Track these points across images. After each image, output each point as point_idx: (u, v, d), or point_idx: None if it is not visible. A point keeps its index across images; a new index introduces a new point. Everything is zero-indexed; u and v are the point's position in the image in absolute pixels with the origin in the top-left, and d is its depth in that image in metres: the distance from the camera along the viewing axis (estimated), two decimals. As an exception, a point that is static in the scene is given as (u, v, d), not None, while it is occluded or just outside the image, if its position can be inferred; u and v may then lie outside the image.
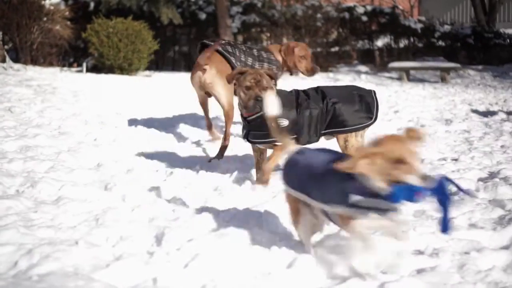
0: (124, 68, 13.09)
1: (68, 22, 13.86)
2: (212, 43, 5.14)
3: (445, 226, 2.22)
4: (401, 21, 19.10)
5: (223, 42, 5.22)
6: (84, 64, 12.78)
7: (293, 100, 3.76)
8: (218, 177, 4.06)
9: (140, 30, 13.28)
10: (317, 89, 3.89)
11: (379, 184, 2.19)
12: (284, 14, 17.81)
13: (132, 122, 6.36)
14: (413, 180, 2.16)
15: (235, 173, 4.13)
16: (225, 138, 4.86)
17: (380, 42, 19.38)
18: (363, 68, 17.18)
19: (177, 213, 3.20)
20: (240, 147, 5.24)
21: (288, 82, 9.14)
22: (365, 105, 3.82)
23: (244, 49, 5.23)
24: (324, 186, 2.41)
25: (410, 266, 2.46)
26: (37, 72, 11.01)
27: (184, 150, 5.12)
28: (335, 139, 3.96)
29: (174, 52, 18.72)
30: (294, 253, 2.58)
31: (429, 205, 3.36)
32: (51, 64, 13.18)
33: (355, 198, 2.26)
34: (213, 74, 5.07)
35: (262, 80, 3.59)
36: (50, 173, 3.90)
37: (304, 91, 3.89)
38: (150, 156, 4.66)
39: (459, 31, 19.17)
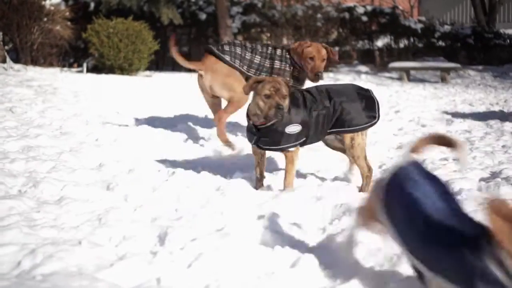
0: (125, 68, 13.10)
1: (69, 23, 13.87)
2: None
3: None
4: (401, 21, 19.12)
5: (223, 43, 5.26)
6: (85, 65, 12.79)
7: (301, 101, 3.74)
8: (220, 177, 4.06)
9: (140, 30, 13.29)
10: (319, 88, 3.88)
11: None
12: (285, 14, 17.82)
13: (133, 122, 6.36)
14: None
15: (237, 173, 4.13)
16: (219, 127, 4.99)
17: (380, 42, 19.40)
18: (363, 68, 17.20)
19: (180, 213, 3.20)
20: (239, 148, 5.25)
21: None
22: (368, 103, 3.83)
23: (251, 47, 5.18)
24: (444, 257, 1.76)
25: (414, 266, 2.45)
26: (37, 73, 11.01)
27: (186, 150, 5.12)
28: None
29: (175, 52, 18.71)
30: (298, 253, 2.57)
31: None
32: (51, 65, 13.19)
33: None
34: (209, 77, 5.12)
35: (281, 88, 3.51)
36: (52, 173, 3.89)
37: (307, 90, 3.88)
38: (151, 156, 4.66)
39: (459, 31, 19.18)
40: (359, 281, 2.30)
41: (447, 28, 19.47)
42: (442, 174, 4.14)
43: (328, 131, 3.81)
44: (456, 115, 7.76)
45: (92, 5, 16.59)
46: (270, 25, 17.97)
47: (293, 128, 3.66)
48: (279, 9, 18.11)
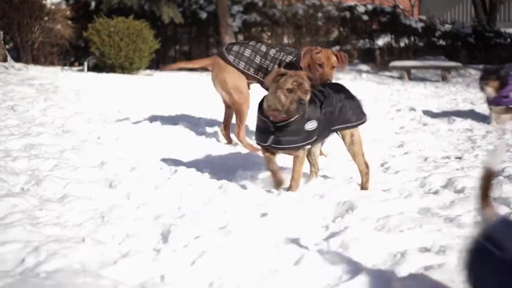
0: (125, 67, 13.10)
1: (69, 22, 13.88)
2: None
3: None
4: (402, 20, 19.12)
5: (234, 42, 5.28)
6: (86, 64, 12.79)
7: (313, 97, 3.71)
8: (222, 175, 4.06)
9: (141, 29, 13.29)
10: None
11: None
12: (285, 13, 17.82)
13: (135, 120, 6.36)
14: None
15: (239, 171, 4.13)
16: (241, 141, 4.96)
17: (381, 41, 19.40)
18: (364, 67, 17.18)
19: (183, 211, 3.20)
20: (240, 147, 5.25)
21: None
22: (358, 100, 3.88)
23: (258, 47, 5.11)
24: None
25: (417, 263, 2.45)
26: (38, 71, 11.02)
27: (187, 148, 5.11)
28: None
29: (175, 51, 18.72)
30: (301, 250, 2.57)
31: (434, 203, 3.38)
32: (52, 64, 13.20)
33: None
34: (213, 77, 5.21)
35: (304, 83, 3.38)
36: (55, 171, 3.89)
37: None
38: (153, 154, 4.66)
39: (460, 30, 19.18)
40: (363, 279, 2.30)
41: (447, 27, 19.46)
42: (444, 172, 4.14)
43: (332, 128, 3.79)
44: (457, 113, 7.76)
45: (93, 4, 16.59)
46: (271, 24, 17.97)
47: (312, 125, 3.55)
48: (279, 8, 18.11)
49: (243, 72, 5.09)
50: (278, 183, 3.63)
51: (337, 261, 2.48)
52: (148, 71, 14.12)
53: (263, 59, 4.99)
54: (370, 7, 19.34)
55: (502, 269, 1.54)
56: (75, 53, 16.15)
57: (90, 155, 4.51)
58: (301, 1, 18.29)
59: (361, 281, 2.29)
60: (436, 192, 3.63)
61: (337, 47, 18.30)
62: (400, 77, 15.28)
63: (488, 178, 1.87)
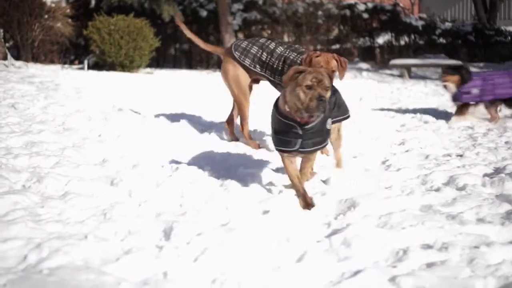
0: (126, 65, 13.10)
1: (69, 20, 13.87)
2: None
3: None
4: (402, 19, 19.11)
5: (244, 38, 5.33)
6: (86, 62, 12.79)
7: None
8: (223, 173, 4.05)
9: (141, 27, 13.30)
10: None
11: None
12: (285, 12, 17.82)
13: (136, 118, 6.35)
14: None
15: (241, 168, 4.13)
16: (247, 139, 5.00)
17: (381, 40, 19.40)
18: (364, 65, 17.19)
19: (184, 208, 3.20)
20: (242, 144, 5.25)
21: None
22: (340, 94, 3.91)
23: (267, 44, 5.08)
24: None
25: (420, 260, 2.45)
26: (38, 69, 11.01)
27: (189, 145, 5.11)
28: None
29: (175, 50, 18.72)
30: (303, 247, 2.57)
31: (436, 200, 3.37)
32: (52, 62, 13.21)
33: None
34: (222, 67, 5.29)
35: (324, 80, 3.21)
36: (56, 169, 3.89)
37: None
38: (155, 152, 4.66)
39: (460, 29, 19.18)
40: (365, 275, 2.30)
41: (448, 25, 19.46)
42: (445, 170, 4.14)
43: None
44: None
45: (93, 2, 16.59)
46: (271, 22, 17.97)
47: (329, 123, 3.46)
48: (280, 6, 18.10)
49: (249, 69, 5.08)
50: (308, 204, 3.32)
51: (340, 258, 2.49)
52: (148, 69, 14.12)
53: (269, 56, 4.97)
54: (370, 5, 19.33)
55: None
56: (75, 51, 16.16)
57: (91, 152, 4.51)
58: (301, -1, 18.31)
59: (364, 278, 2.29)
60: (437, 190, 3.63)
61: (337, 45, 18.30)
62: (401, 75, 15.28)
63: None
